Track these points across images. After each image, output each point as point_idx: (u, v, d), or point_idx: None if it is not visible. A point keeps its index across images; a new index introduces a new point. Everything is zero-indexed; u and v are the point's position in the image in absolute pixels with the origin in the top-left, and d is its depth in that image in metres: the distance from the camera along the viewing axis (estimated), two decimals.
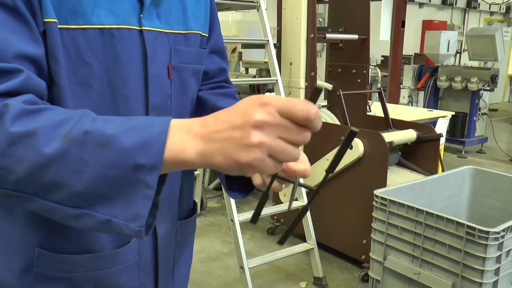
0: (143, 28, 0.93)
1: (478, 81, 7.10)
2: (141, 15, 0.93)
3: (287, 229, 0.80)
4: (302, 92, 3.70)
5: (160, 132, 0.71)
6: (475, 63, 9.03)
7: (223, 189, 1.19)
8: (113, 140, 0.70)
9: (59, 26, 0.84)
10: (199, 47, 1.09)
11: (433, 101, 7.87)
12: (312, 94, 0.70)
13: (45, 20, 0.82)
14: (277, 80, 3.44)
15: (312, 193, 0.81)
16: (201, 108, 1.17)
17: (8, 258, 0.95)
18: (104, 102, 0.91)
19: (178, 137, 0.72)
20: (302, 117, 0.67)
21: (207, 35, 1.12)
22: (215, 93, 1.21)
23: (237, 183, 1.05)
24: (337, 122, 4.06)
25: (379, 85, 5.45)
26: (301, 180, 0.86)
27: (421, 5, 12.64)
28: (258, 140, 0.66)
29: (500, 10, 14.83)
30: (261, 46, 3.71)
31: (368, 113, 4.20)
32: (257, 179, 0.89)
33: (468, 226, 2.16)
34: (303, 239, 3.51)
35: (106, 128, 0.71)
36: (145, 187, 0.71)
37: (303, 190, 3.39)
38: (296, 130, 0.68)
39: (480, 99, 7.56)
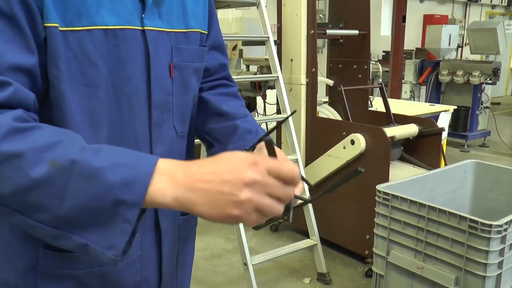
0: (145, 28, 0.94)
1: (480, 75, 7.08)
2: (143, 15, 0.94)
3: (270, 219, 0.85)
4: (303, 89, 3.70)
5: (145, 173, 0.75)
6: (477, 57, 9.00)
7: None
8: (99, 174, 0.73)
9: (64, 28, 0.84)
10: (199, 45, 1.10)
11: (435, 96, 7.86)
12: (268, 148, 0.80)
13: (46, 25, 0.83)
14: (278, 76, 3.44)
15: (309, 199, 0.90)
16: (204, 110, 1.18)
17: (13, 258, 0.95)
18: (110, 101, 0.92)
19: (160, 181, 0.75)
20: (289, 176, 0.75)
21: (206, 32, 1.13)
22: (217, 93, 1.22)
23: None
24: (339, 118, 4.06)
25: (380, 80, 5.44)
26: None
27: None
28: (248, 197, 0.73)
29: (501, 3, 14.79)
30: (262, 43, 3.71)
31: (369, 109, 4.19)
32: None
33: (471, 220, 2.15)
34: (306, 235, 3.52)
35: (93, 161, 0.74)
36: (124, 221, 0.75)
37: (306, 186, 3.39)
38: (282, 188, 0.75)
39: (482, 93, 7.54)
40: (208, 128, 1.18)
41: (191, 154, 1.18)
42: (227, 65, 1.29)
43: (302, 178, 0.89)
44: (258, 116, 5.36)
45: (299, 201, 0.88)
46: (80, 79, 0.88)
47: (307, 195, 3.39)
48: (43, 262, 0.94)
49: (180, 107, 1.06)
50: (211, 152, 1.18)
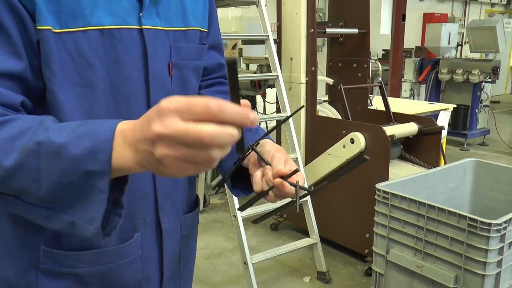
0: (143, 27, 0.94)
1: (479, 73, 7.09)
2: (140, 14, 0.94)
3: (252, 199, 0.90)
4: (303, 87, 3.70)
5: (105, 139, 0.72)
6: (477, 55, 9.00)
7: (225, 186, 1.20)
8: (62, 149, 0.72)
9: (59, 30, 0.84)
10: (199, 43, 1.10)
11: (434, 94, 7.86)
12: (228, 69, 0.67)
13: (38, 27, 0.83)
14: (277, 75, 3.44)
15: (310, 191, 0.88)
16: None
17: (14, 257, 0.96)
18: (108, 102, 0.92)
19: (118, 144, 0.72)
20: (205, 113, 0.62)
21: (206, 30, 1.13)
22: (214, 91, 1.22)
23: (240, 182, 1.07)
24: (339, 117, 4.06)
25: (380, 79, 5.44)
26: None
27: None
28: (162, 153, 0.64)
29: (501, 1, 14.78)
30: (261, 42, 3.71)
31: (369, 107, 4.20)
32: (257, 187, 0.91)
33: (470, 218, 2.16)
34: (306, 234, 3.52)
35: (56, 137, 0.73)
36: (99, 191, 0.73)
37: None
38: (202, 133, 0.62)
39: (482, 91, 7.54)
40: None
41: None
42: (225, 65, 1.28)
43: (301, 187, 0.88)
44: (258, 115, 5.36)
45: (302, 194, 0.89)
46: (77, 80, 0.88)
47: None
48: (44, 260, 0.94)
49: None
50: None
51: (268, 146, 0.98)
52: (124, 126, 0.72)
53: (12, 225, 0.94)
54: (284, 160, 0.91)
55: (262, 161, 0.93)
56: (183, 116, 0.62)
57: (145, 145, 0.66)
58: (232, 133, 0.63)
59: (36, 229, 0.93)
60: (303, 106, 0.94)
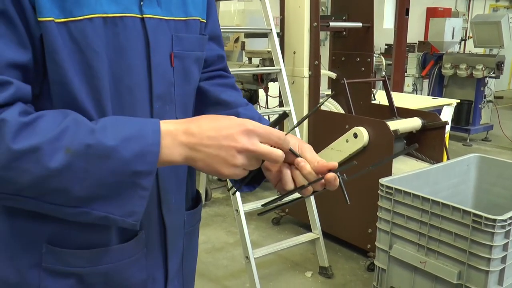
0: (144, 16, 0.92)
1: (483, 68, 7.05)
2: (141, 3, 0.92)
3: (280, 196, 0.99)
4: (306, 81, 3.68)
5: (154, 143, 0.82)
6: (480, 50, 8.96)
7: (227, 181, 1.22)
8: (114, 152, 0.79)
9: (64, 19, 0.82)
10: (199, 34, 1.08)
11: (437, 89, 7.83)
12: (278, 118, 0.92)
13: (40, 19, 0.81)
14: (280, 69, 3.42)
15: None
16: (202, 99, 1.15)
17: (15, 256, 0.93)
18: (111, 93, 0.90)
19: (167, 144, 0.84)
20: (276, 140, 0.87)
21: (205, 21, 1.11)
22: (216, 84, 1.20)
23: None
24: (341, 111, 4.04)
25: (384, 73, 5.41)
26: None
27: None
28: (241, 162, 0.85)
29: None
30: (264, 35, 3.69)
31: (372, 102, 4.17)
32: (290, 185, 0.95)
33: (475, 214, 2.14)
34: (308, 228, 3.51)
35: (105, 140, 0.79)
36: (141, 189, 0.82)
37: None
38: (271, 153, 0.86)
39: (486, 87, 7.52)
40: None
41: None
42: (225, 57, 1.27)
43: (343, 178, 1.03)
44: (260, 109, 5.35)
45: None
46: (87, 71, 0.86)
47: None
48: (47, 259, 0.92)
49: (182, 98, 1.04)
50: None
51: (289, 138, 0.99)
52: (172, 127, 0.85)
53: (12, 222, 0.92)
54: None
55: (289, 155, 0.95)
56: (262, 140, 0.85)
57: (223, 152, 0.83)
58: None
59: (38, 226, 0.91)
60: (319, 107, 1.04)
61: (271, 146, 0.86)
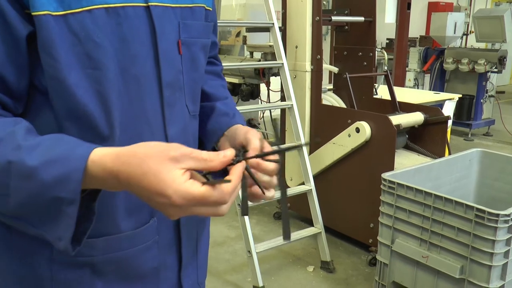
0: (149, 3, 0.91)
1: (485, 63, 7.03)
2: None
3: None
4: (308, 76, 3.67)
5: (77, 169, 0.74)
6: (482, 45, 8.93)
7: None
8: (34, 173, 0.74)
9: (63, 12, 0.81)
10: (205, 21, 1.07)
11: (439, 84, 7.82)
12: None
13: (34, 13, 0.80)
14: (282, 63, 3.41)
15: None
16: None
17: (26, 249, 0.93)
18: (118, 83, 0.89)
19: (94, 172, 0.75)
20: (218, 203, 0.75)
21: (211, 9, 1.11)
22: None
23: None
24: (344, 106, 4.03)
25: (386, 68, 5.40)
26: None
27: None
28: (177, 214, 0.75)
29: None
30: (266, 29, 3.68)
31: (374, 96, 4.17)
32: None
33: (478, 209, 2.14)
34: (310, 223, 3.51)
35: (28, 159, 0.75)
36: (66, 217, 0.76)
37: (310, 175, 3.38)
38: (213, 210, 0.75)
39: (488, 81, 7.50)
40: None
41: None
42: (217, 44, 1.27)
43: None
44: (261, 103, 5.34)
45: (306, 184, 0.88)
46: (87, 63, 0.85)
47: (312, 185, 3.37)
48: (56, 250, 0.92)
49: (191, 85, 1.04)
50: None
51: (240, 131, 1.02)
52: (98, 157, 0.76)
53: None
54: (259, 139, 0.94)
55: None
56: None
57: (156, 205, 0.75)
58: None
59: None
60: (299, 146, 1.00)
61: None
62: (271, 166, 0.88)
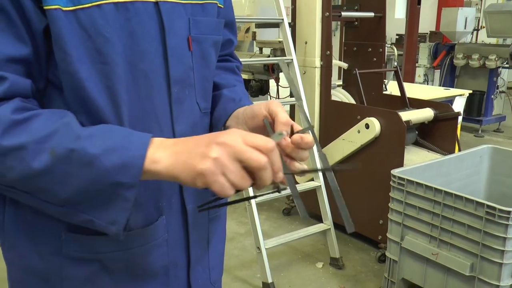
0: (158, 0, 0.92)
1: (496, 59, 6.96)
2: None
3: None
4: (317, 72, 3.66)
5: (138, 156, 0.79)
6: (493, 40, 8.86)
7: None
8: (96, 160, 0.78)
9: (73, 8, 0.82)
10: (216, 18, 1.07)
11: (449, 80, 7.77)
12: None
13: (46, 7, 0.80)
14: (292, 59, 3.40)
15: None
16: None
17: (36, 243, 0.94)
18: (127, 78, 0.89)
19: (153, 154, 0.80)
20: (263, 147, 0.77)
21: (222, 6, 1.10)
22: (219, 67, 1.19)
23: None
24: (353, 102, 4.02)
25: (395, 63, 5.37)
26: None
27: None
28: (216, 154, 0.75)
29: None
30: (276, 25, 3.66)
31: (384, 92, 4.15)
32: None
33: (488, 206, 2.13)
34: (319, 219, 3.51)
35: (89, 147, 0.78)
36: (123, 200, 0.81)
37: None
38: (256, 157, 0.76)
39: (499, 77, 7.43)
40: None
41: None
42: (234, 43, 1.25)
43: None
44: (271, 99, 5.33)
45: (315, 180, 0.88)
46: (97, 58, 0.85)
47: (320, 181, 3.37)
48: (66, 245, 0.93)
49: (202, 82, 1.04)
50: None
51: (255, 105, 1.00)
52: (159, 141, 0.82)
53: (33, 211, 0.92)
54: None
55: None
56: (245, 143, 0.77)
57: (199, 148, 0.78)
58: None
59: None
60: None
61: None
62: (309, 138, 0.89)
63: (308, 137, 0.87)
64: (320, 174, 3.38)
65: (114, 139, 0.80)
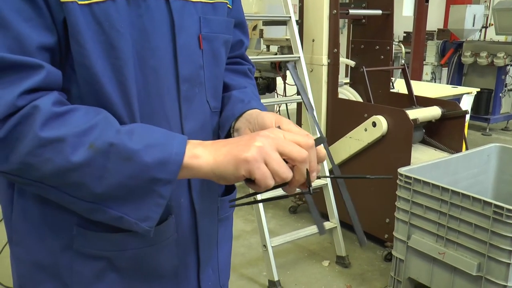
0: None
1: (505, 56, 6.92)
2: None
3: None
4: (324, 69, 3.65)
5: (177, 153, 0.82)
6: (502, 38, 8.80)
7: None
8: (135, 155, 0.79)
9: (88, 1, 0.82)
10: (227, 17, 1.07)
11: (457, 78, 7.73)
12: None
13: (62, 0, 0.80)
14: (299, 57, 3.39)
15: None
16: None
17: (47, 238, 0.94)
18: (136, 74, 0.89)
19: (192, 154, 0.83)
20: (304, 144, 0.84)
21: (231, 7, 1.10)
22: (229, 70, 1.19)
23: None
24: (360, 100, 4.01)
25: (403, 61, 5.35)
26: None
27: None
28: (260, 143, 0.80)
29: None
30: (283, 23, 3.65)
31: (391, 90, 4.13)
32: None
33: (496, 205, 2.11)
34: (325, 217, 3.50)
35: (129, 143, 0.80)
36: (159, 197, 0.82)
37: (326, 170, 3.37)
38: (296, 150, 0.83)
39: (507, 75, 7.39)
40: None
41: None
42: (245, 43, 1.25)
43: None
44: (278, 96, 5.33)
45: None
46: (111, 52, 0.85)
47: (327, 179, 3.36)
48: (77, 241, 0.93)
49: (212, 81, 1.04)
50: None
51: (266, 116, 1.00)
52: (195, 141, 0.86)
53: (43, 206, 0.92)
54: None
55: None
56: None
57: (242, 141, 0.83)
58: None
59: (68, 209, 0.90)
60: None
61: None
62: (323, 152, 0.92)
63: (322, 151, 0.91)
64: (330, 183, 3.38)
65: (153, 136, 0.82)
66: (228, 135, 1.07)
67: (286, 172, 0.81)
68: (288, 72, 4.63)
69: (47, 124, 0.76)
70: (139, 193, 0.81)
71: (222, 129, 1.10)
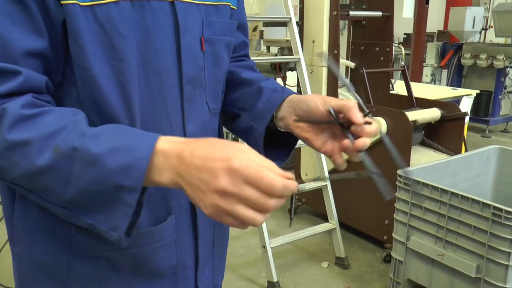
0: None
1: (504, 58, 6.92)
2: None
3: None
4: (324, 71, 3.66)
5: (142, 158, 0.75)
6: (501, 40, 8.81)
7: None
8: (98, 160, 0.75)
9: (91, 3, 0.82)
10: (229, 19, 1.07)
11: (456, 79, 7.73)
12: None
13: (63, 2, 0.81)
14: (299, 58, 3.40)
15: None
16: (227, 80, 1.14)
17: (45, 238, 0.94)
18: (139, 76, 0.90)
19: (158, 163, 0.76)
20: (267, 189, 0.72)
21: (235, 8, 1.10)
22: (235, 66, 1.19)
23: (275, 147, 1.11)
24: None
25: (403, 63, 5.36)
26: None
27: None
28: (217, 204, 0.71)
29: None
30: (283, 24, 3.66)
31: (391, 92, 4.14)
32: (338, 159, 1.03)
33: (495, 207, 2.12)
34: (325, 219, 3.51)
35: (93, 146, 0.76)
36: (125, 205, 0.77)
37: (326, 169, 3.37)
38: (259, 199, 0.73)
39: (506, 77, 7.40)
40: (230, 99, 1.15)
41: (221, 132, 1.17)
42: (248, 44, 1.27)
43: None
44: None
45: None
46: (112, 54, 0.86)
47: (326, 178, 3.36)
48: (76, 242, 0.93)
49: (212, 83, 1.04)
50: (237, 122, 1.14)
51: (309, 100, 1.00)
52: (167, 146, 0.77)
53: (41, 206, 0.92)
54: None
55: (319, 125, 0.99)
56: (250, 183, 0.72)
57: (203, 186, 0.72)
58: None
59: None
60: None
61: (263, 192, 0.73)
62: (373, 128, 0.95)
63: (372, 127, 0.96)
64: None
65: (121, 139, 0.78)
66: (269, 127, 1.06)
67: (252, 221, 0.74)
68: (288, 73, 4.65)
69: (14, 126, 0.76)
70: (106, 201, 0.77)
71: (259, 121, 1.07)
